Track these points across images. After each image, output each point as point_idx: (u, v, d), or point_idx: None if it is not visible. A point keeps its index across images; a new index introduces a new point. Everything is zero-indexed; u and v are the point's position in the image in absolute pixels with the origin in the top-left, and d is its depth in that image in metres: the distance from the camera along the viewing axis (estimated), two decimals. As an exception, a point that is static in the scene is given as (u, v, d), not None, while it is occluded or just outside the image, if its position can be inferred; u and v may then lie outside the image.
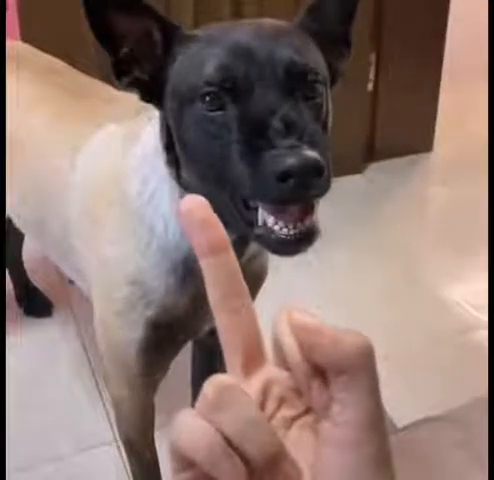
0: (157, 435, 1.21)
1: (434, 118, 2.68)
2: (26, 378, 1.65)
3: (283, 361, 0.40)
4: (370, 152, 2.62)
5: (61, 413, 1.57)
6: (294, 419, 0.41)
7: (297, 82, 0.76)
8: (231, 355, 0.42)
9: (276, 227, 0.75)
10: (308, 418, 0.41)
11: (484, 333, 1.78)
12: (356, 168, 2.54)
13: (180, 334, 1.04)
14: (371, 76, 2.50)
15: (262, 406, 0.41)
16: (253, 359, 0.42)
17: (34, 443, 1.49)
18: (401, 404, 1.47)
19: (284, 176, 0.69)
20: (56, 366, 1.69)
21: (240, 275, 0.42)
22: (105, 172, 1.02)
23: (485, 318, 1.81)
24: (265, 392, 0.41)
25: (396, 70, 2.51)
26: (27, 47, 1.42)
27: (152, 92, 0.83)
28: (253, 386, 0.41)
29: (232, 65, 0.75)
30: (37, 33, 1.87)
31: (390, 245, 2.19)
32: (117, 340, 1.03)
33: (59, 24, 1.96)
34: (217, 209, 0.82)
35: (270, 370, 0.42)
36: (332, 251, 1.99)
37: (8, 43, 1.35)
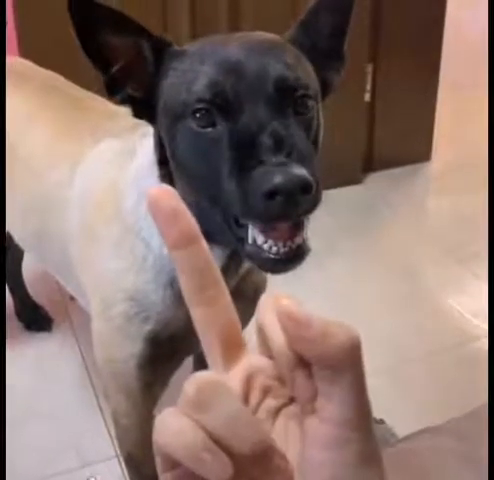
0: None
1: (432, 127, 2.68)
2: (26, 393, 1.64)
3: (267, 350, 0.40)
4: (368, 162, 2.62)
5: (61, 429, 1.56)
6: (279, 409, 0.41)
7: (287, 97, 0.76)
8: (210, 347, 0.41)
9: (266, 246, 0.76)
10: (293, 408, 0.40)
11: (484, 342, 1.78)
12: (355, 178, 2.55)
13: (179, 348, 1.04)
14: (368, 87, 2.51)
15: (246, 397, 0.40)
16: (232, 348, 0.41)
17: (35, 459, 1.48)
18: (401, 414, 1.47)
19: (271, 194, 0.69)
20: (56, 381, 1.69)
21: (213, 264, 0.41)
22: (102, 187, 1.02)
23: (485, 326, 1.81)
24: (248, 382, 0.41)
25: (393, 80, 2.52)
26: (26, 62, 1.42)
27: (145, 108, 0.84)
28: (236, 377, 0.41)
29: (222, 81, 0.76)
30: (35, 48, 1.87)
31: (389, 254, 2.19)
32: (116, 355, 1.03)
33: (57, 39, 1.96)
34: (209, 224, 0.83)
35: (252, 358, 0.41)
36: (331, 261, 1.99)
37: (7, 59, 1.35)
